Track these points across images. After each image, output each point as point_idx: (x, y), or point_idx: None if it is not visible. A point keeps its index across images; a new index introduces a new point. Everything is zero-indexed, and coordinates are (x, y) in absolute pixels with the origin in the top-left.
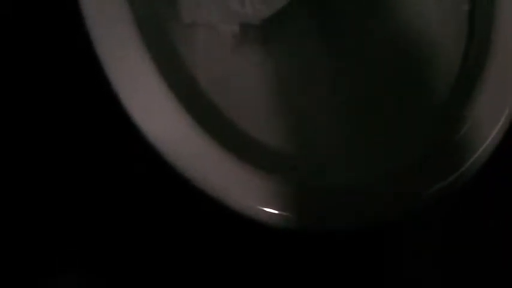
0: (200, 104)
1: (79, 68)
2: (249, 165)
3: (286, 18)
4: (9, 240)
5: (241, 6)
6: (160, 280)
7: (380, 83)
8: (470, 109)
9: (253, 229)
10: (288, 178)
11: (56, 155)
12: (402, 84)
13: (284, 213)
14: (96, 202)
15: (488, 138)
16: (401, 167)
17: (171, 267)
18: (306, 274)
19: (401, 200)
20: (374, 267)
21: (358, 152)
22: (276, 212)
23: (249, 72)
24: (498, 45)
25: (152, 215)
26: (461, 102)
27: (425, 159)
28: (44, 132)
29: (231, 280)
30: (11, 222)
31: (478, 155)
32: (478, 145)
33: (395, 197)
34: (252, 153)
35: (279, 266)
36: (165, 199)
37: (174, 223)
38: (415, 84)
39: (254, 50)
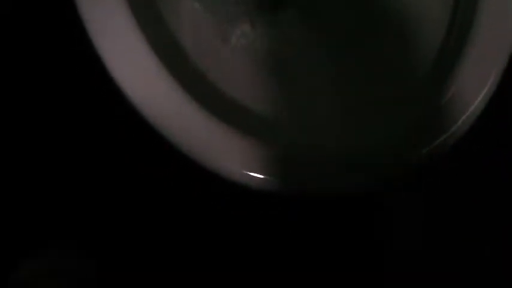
0: (185, 68)
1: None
2: (234, 129)
3: None
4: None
5: None
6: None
7: (368, 52)
8: (455, 76)
9: (240, 194)
10: (274, 142)
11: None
12: (390, 53)
13: (269, 178)
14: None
15: (475, 103)
16: (388, 133)
17: (156, 232)
18: (294, 240)
19: (388, 164)
20: (364, 233)
21: (347, 117)
22: (261, 176)
23: (236, 40)
24: (483, 16)
25: (137, 179)
26: (447, 70)
27: (412, 125)
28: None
29: (219, 245)
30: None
31: (462, 120)
32: (463, 110)
33: (383, 161)
34: (238, 117)
35: (267, 232)
36: (150, 165)
37: (160, 189)
38: (402, 55)
39: (244, 20)
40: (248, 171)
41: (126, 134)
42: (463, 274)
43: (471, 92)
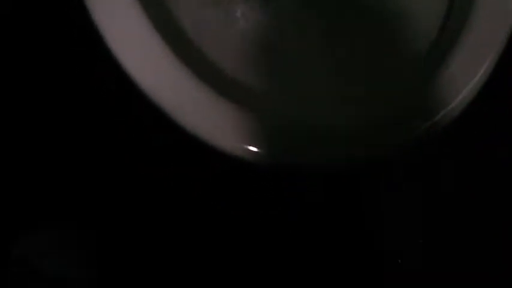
0: (184, 45)
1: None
2: (230, 102)
3: None
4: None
5: None
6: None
7: (362, 35)
8: (449, 61)
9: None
10: (267, 116)
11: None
12: (384, 38)
13: (262, 150)
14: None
15: (467, 87)
16: (379, 112)
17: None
18: (284, 215)
19: (379, 142)
20: (353, 210)
21: (338, 95)
22: (254, 149)
23: (234, 18)
24: (479, 5)
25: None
26: (441, 56)
27: (403, 105)
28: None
29: (210, 219)
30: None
31: (454, 104)
32: (454, 95)
33: (374, 139)
34: (231, 91)
35: (257, 205)
36: (144, 135)
37: (155, 161)
38: (396, 39)
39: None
40: (243, 143)
41: (122, 123)
42: (461, 264)
43: (464, 77)
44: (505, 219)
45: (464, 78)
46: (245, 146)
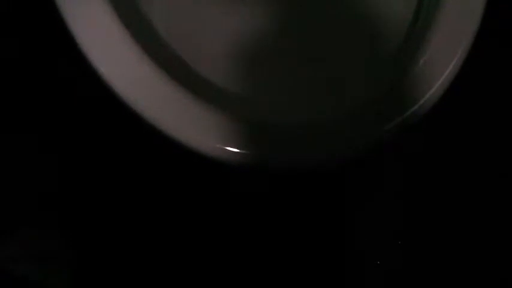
0: (159, 48)
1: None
2: (208, 104)
3: None
4: None
5: None
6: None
7: (338, 28)
8: (424, 50)
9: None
10: (246, 116)
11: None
12: (360, 29)
13: (243, 151)
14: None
15: (442, 77)
16: (358, 104)
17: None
18: (266, 215)
19: (360, 135)
20: (336, 207)
21: (317, 91)
22: (235, 150)
23: (210, 19)
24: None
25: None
26: (416, 44)
27: (381, 97)
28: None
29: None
30: None
31: (431, 92)
32: (431, 84)
33: (355, 132)
34: (210, 93)
35: (237, 205)
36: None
37: (136, 166)
38: (373, 29)
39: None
40: (223, 145)
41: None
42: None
43: (441, 62)
44: (485, 219)
45: (433, 75)
46: (224, 147)
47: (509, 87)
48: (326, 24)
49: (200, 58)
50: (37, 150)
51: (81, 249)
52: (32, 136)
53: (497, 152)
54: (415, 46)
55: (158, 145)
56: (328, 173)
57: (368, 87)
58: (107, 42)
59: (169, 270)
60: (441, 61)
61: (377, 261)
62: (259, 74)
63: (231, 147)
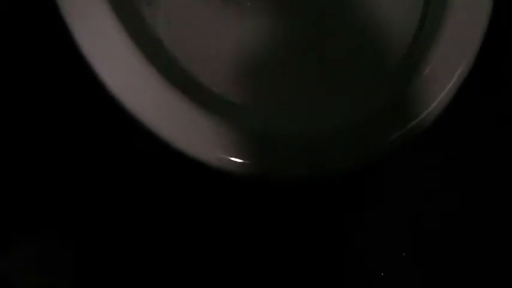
0: (162, 57)
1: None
2: (209, 114)
3: None
4: None
5: None
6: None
7: (340, 39)
8: (428, 61)
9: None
10: (247, 126)
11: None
12: (363, 40)
13: (243, 161)
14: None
15: (445, 90)
16: (361, 115)
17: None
18: (268, 225)
19: (363, 146)
20: (339, 217)
21: (320, 103)
22: (236, 159)
23: (213, 29)
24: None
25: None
26: (420, 56)
27: (384, 109)
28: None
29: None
30: None
31: (435, 104)
32: (435, 95)
33: (357, 143)
34: (211, 103)
35: (240, 215)
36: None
37: (139, 174)
38: (375, 40)
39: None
40: (223, 154)
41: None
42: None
43: (445, 73)
44: (490, 231)
45: (437, 86)
46: (225, 157)
47: None
48: (328, 35)
49: (202, 67)
50: (40, 154)
51: (81, 254)
52: (34, 141)
53: (502, 162)
54: (419, 57)
55: (159, 152)
56: (330, 183)
57: (371, 98)
58: (111, 53)
59: (169, 275)
60: (446, 72)
61: (381, 272)
62: (261, 84)
63: (231, 156)
